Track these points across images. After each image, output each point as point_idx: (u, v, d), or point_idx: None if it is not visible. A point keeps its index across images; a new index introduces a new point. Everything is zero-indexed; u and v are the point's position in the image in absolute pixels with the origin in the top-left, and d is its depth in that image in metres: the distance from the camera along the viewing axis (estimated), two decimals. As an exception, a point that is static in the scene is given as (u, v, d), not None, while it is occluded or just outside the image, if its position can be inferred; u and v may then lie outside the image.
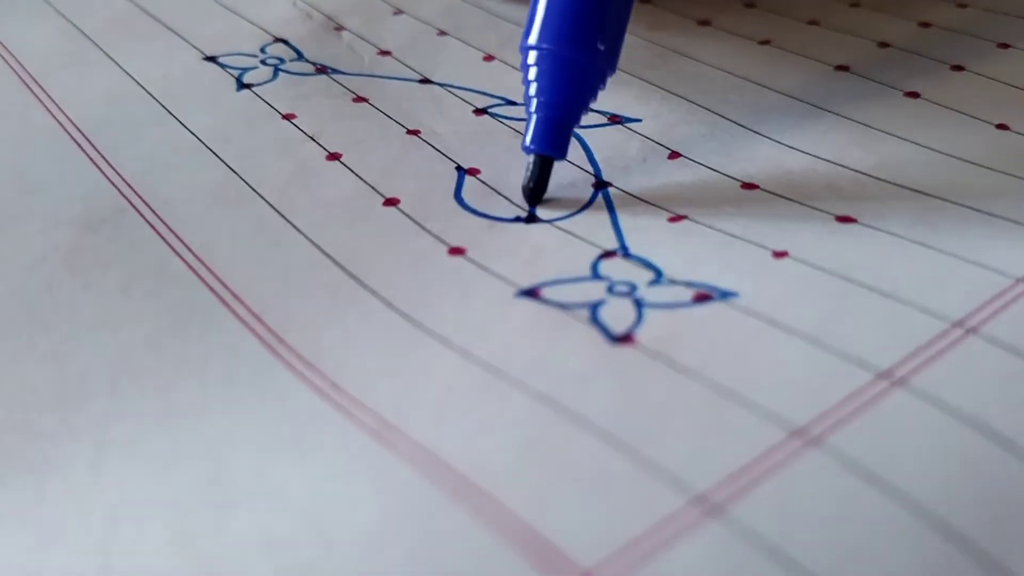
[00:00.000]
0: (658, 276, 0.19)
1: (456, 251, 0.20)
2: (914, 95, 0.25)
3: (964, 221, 0.20)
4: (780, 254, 0.20)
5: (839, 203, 0.21)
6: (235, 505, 0.15)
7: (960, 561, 0.14)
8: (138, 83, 0.26)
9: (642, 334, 0.18)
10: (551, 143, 0.21)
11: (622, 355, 0.17)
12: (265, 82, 0.26)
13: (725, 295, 0.19)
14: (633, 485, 0.15)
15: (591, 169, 0.23)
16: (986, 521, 0.14)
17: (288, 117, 0.25)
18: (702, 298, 0.19)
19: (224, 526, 0.15)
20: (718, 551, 0.14)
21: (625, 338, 0.18)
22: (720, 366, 0.17)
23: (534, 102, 0.21)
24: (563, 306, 0.19)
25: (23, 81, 0.27)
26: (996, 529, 0.14)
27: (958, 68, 0.26)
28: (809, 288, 0.19)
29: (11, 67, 0.27)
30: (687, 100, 0.25)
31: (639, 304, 0.18)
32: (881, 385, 0.16)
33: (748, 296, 0.18)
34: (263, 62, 0.27)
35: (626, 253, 0.20)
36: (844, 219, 0.21)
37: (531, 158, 0.21)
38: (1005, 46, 0.28)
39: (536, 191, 0.21)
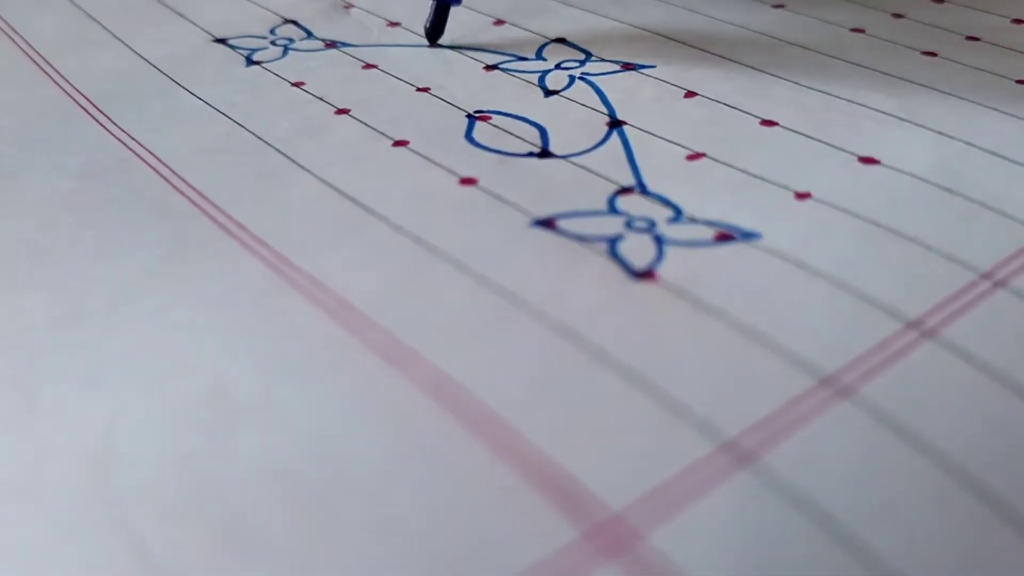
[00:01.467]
0: (677, 214, 0.18)
1: (468, 181, 0.20)
2: (932, 54, 0.24)
3: (989, 167, 0.19)
4: (803, 195, 0.19)
5: (861, 143, 0.20)
6: (236, 422, 0.14)
7: (987, 514, 0.13)
8: (146, 60, 0.26)
9: (664, 271, 0.17)
10: None
11: (643, 291, 0.16)
12: (274, 59, 0.26)
13: (748, 235, 0.18)
14: (659, 427, 0.14)
15: (604, 110, 0.22)
16: (1013, 475, 0.13)
17: (297, 84, 0.24)
18: (724, 237, 0.18)
19: (224, 444, 0.14)
20: (749, 500, 0.13)
21: (647, 274, 0.17)
22: (745, 307, 0.16)
23: None
24: (580, 238, 0.18)
25: (31, 59, 0.26)
26: (1022, 483, 0.13)
27: (973, 39, 0.25)
28: (834, 231, 0.18)
29: (19, 47, 0.27)
30: (701, 49, 0.24)
31: (659, 241, 0.18)
32: (911, 335, 0.15)
33: (771, 237, 0.18)
34: (273, 43, 0.27)
35: (643, 190, 0.19)
36: (867, 160, 0.20)
37: (432, 3, 0.25)
38: (1019, 21, 0.27)
39: (433, 30, 0.25)
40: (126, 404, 0.15)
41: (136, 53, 0.26)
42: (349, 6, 0.29)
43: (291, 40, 0.27)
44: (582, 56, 0.24)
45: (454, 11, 0.26)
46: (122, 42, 0.27)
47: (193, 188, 0.19)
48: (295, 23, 0.28)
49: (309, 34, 0.27)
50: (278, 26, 0.28)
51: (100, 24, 0.28)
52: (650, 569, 0.12)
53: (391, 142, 0.21)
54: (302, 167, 0.20)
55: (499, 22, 0.27)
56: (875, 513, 0.13)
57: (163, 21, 0.28)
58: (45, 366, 0.16)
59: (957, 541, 0.13)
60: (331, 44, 0.26)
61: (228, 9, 0.29)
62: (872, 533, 0.13)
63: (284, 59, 0.26)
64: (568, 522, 0.13)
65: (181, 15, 0.29)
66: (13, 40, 0.27)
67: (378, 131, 0.21)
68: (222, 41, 0.27)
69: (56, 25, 0.28)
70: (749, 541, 0.13)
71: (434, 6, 0.25)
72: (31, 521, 0.13)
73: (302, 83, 0.24)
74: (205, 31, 0.27)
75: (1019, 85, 0.23)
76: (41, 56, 0.26)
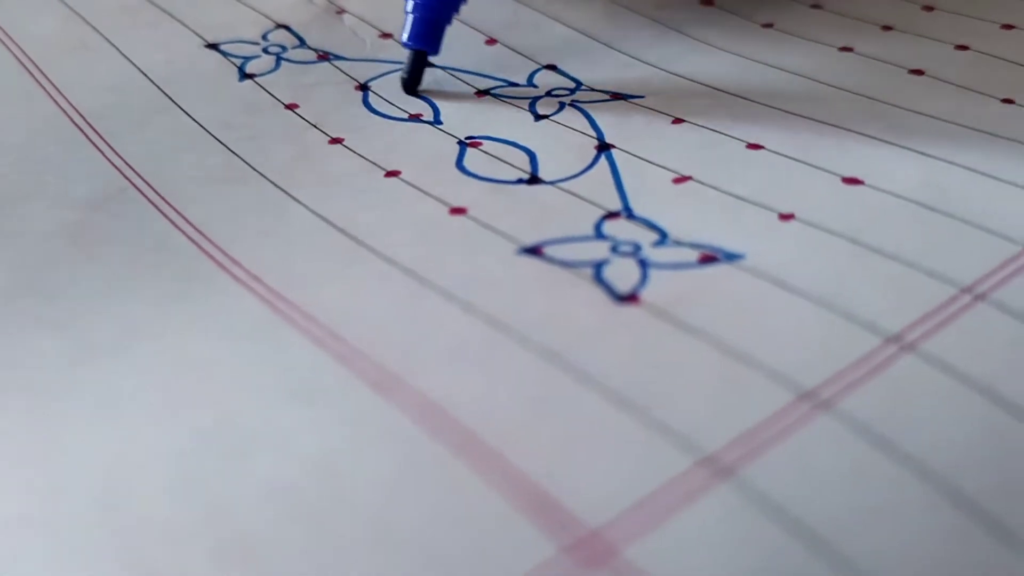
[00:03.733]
0: (663, 237, 0.19)
1: (457, 211, 0.21)
2: (919, 72, 0.25)
3: (971, 185, 0.20)
4: (787, 216, 0.20)
5: (845, 165, 0.21)
6: (240, 451, 0.15)
7: (969, 526, 0.14)
8: (140, 71, 0.27)
9: (647, 294, 0.18)
10: (425, 39, 0.24)
11: (628, 314, 0.18)
12: (267, 72, 0.26)
13: (731, 256, 0.19)
14: (641, 445, 0.15)
15: (593, 134, 0.23)
16: (995, 487, 0.14)
17: (291, 107, 0.25)
18: (708, 259, 0.19)
19: (229, 472, 0.15)
20: (728, 513, 0.14)
21: (630, 298, 0.18)
22: (727, 327, 0.17)
23: (411, 3, 0.24)
24: (566, 264, 0.19)
25: (24, 67, 0.27)
26: (1005, 495, 0.14)
27: (962, 48, 0.26)
28: (816, 250, 0.19)
29: (12, 53, 0.28)
30: (690, 80, 0.25)
31: (644, 264, 0.19)
32: (891, 349, 0.16)
33: (755, 257, 0.19)
34: (265, 50, 0.28)
35: (630, 214, 0.20)
36: (851, 181, 0.21)
37: (408, 53, 0.25)
38: (1009, 27, 0.27)
39: (410, 82, 0.25)
40: (135, 437, 0.16)
41: (131, 62, 0.27)
42: (341, 11, 0.29)
43: (283, 48, 0.28)
44: (572, 85, 0.25)
45: (458, 35, 0.26)
46: (116, 48, 0.27)
47: (191, 224, 0.20)
48: (287, 28, 0.29)
49: (302, 42, 0.28)
50: (270, 31, 0.28)
51: (93, 27, 0.29)
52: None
53: (383, 172, 0.22)
54: (297, 201, 0.21)
55: (491, 41, 0.28)
56: (857, 524, 0.14)
57: (157, 23, 0.29)
58: (54, 402, 0.17)
59: (940, 551, 0.14)
60: (324, 56, 0.27)
61: (220, 10, 0.29)
62: (853, 544, 0.14)
63: (277, 71, 0.26)
64: (548, 538, 0.14)
65: (173, 16, 0.29)
66: (6, 46, 0.28)
67: (371, 161, 0.22)
68: (214, 47, 0.28)
69: (50, 29, 0.29)
70: (729, 554, 0.14)
71: (411, 57, 0.25)
72: (42, 553, 0.14)
73: (296, 105, 0.25)
74: (197, 35, 0.28)
75: (1004, 104, 0.23)
76: (35, 64, 0.27)
